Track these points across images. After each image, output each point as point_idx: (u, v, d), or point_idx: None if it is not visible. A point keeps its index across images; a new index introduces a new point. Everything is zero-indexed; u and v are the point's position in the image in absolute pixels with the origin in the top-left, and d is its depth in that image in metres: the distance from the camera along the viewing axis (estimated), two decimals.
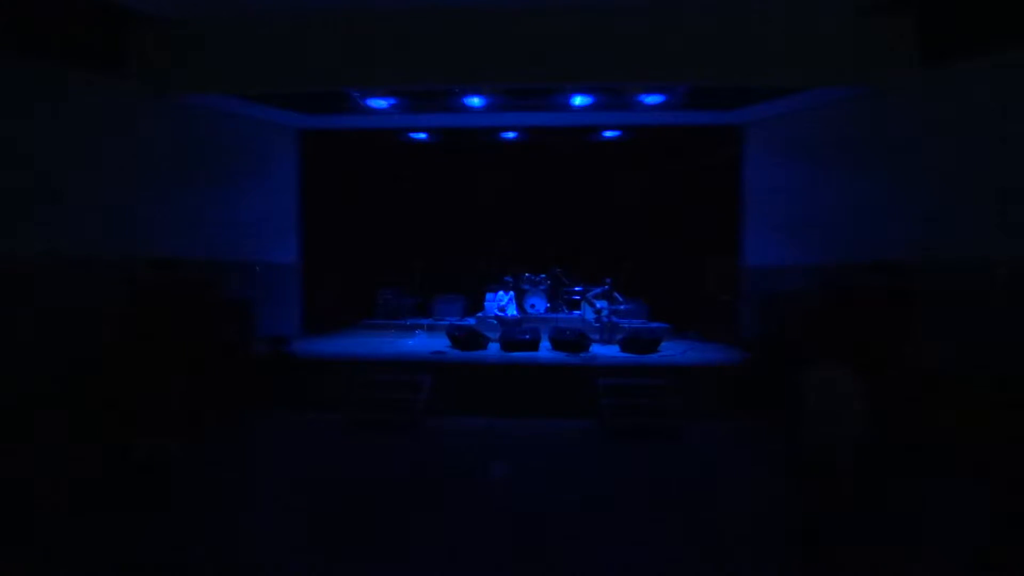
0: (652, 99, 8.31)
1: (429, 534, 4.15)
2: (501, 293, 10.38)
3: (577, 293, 11.02)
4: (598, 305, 9.72)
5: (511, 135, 10.47)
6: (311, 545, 4.03)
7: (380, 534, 4.20)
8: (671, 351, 8.55)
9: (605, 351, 8.65)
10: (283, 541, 4.17)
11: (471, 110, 8.75)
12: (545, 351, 8.55)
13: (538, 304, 11.00)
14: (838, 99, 7.72)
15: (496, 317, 10.10)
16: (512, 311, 10.21)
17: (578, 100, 8.39)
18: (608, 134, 10.37)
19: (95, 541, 4.03)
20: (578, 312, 10.62)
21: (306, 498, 4.90)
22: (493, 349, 8.67)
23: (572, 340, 8.32)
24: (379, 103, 8.50)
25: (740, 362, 7.51)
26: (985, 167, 6.22)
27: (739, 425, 6.68)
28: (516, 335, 8.67)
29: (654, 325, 10.36)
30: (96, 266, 6.80)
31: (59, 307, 6.39)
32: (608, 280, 10.13)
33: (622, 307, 10.04)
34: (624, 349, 8.52)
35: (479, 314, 10.69)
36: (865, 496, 4.13)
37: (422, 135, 10.51)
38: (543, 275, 11.25)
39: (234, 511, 4.67)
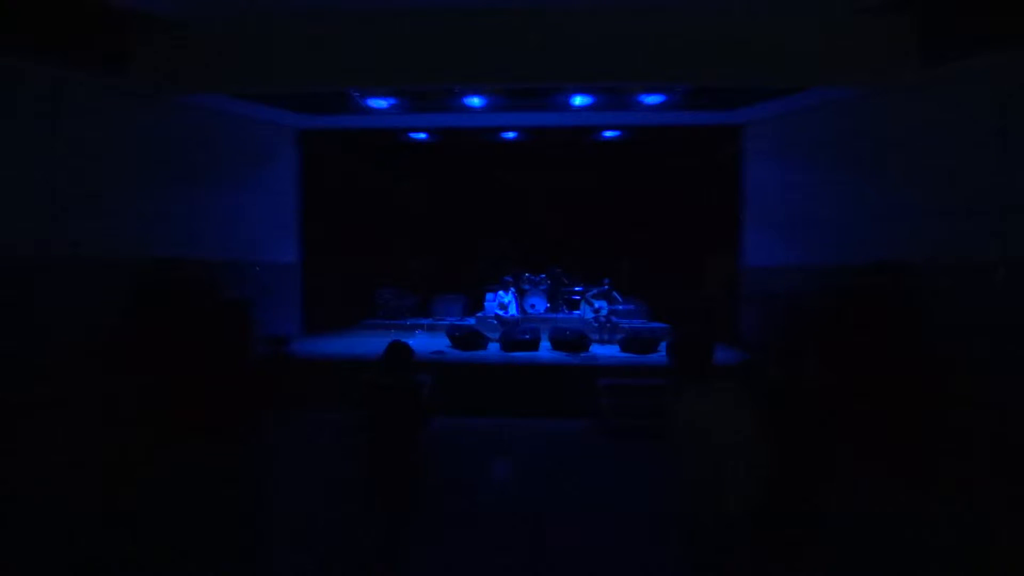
0: (652, 99, 8.32)
1: (429, 533, 4.15)
2: (502, 292, 10.40)
3: (577, 293, 11.04)
4: (596, 305, 9.73)
5: (511, 135, 10.48)
6: (311, 546, 4.03)
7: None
8: None
9: (605, 351, 8.65)
10: (283, 542, 4.17)
11: (471, 110, 8.76)
12: (545, 351, 8.56)
13: (538, 304, 11.01)
14: (838, 99, 7.72)
15: (496, 317, 10.11)
16: (514, 310, 10.22)
17: (578, 100, 8.40)
18: (608, 134, 10.37)
19: (94, 543, 4.04)
20: (578, 312, 10.63)
21: (305, 498, 4.90)
22: (493, 349, 8.68)
23: (572, 340, 8.33)
24: (379, 103, 8.51)
25: (740, 362, 7.50)
26: (985, 167, 6.23)
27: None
28: (516, 335, 8.68)
29: (654, 325, 10.37)
30: (96, 266, 6.81)
31: (59, 307, 6.39)
32: (607, 280, 10.15)
33: (620, 307, 10.05)
34: (624, 349, 8.53)
35: (479, 314, 10.70)
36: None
37: (422, 135, 10.52)
38: (543, 275, 11.26)
39: (231, 511, 4.67)
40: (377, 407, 3.46)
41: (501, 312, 10.13)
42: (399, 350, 3.60)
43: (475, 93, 8.18)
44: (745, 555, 2.82)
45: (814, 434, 3.65)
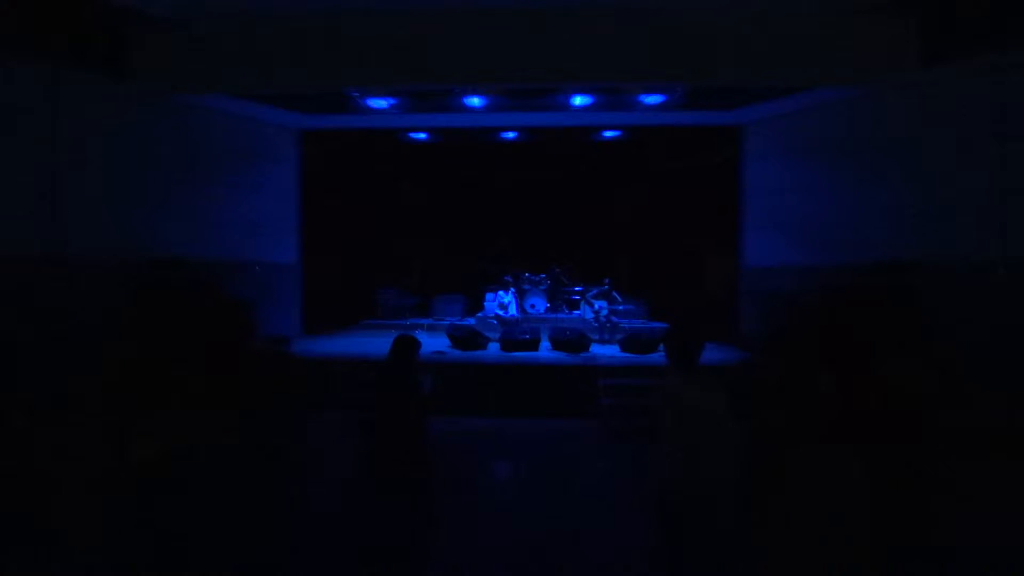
0: (652, 99, 8.32)
1: (428, 533, 4.15)
2: (502, 292, 10.40)
3: (577, 293, 11.03)
4: (597, 305, 9.73)
5: (511, 135, 10.47)
6: (311, 547, 4.03)
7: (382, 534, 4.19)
8: None
9: (605, 351, 8.65)
10: (281, 542, 4.17)
11: (471, 110, 8.76)
12: (545, 351, 8.55)
13: (538, 304, 11.00)
14: (838, 99, 7.72)
15: (496, 317, 10.11)
16: (514, 310, 10.22)
17: (578, 100, 8.40)
18: (608, 134, 10.37)
19: (96, 543, 4.03)
20: (578, 312, 10.63)
21: (305, 499, 4.90)
22: (493, 349, 8.68)
23: (572, 340, 8.32)
24: (379, 103, 8.51)
25: (739, 362, 7.51)
26: (985, 167, 6.23)
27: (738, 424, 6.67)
28: (516, 335, 8.67)
29: (654, 325, 10.37)
30: (96, 266, 6.81)
31: (59, 307, 6.39)
32: (607, 280, 10.15)
33: (621, 307, 10.05)
34: (624, 349, 8.53)
35: (479, 314, 10.70)
36: None
37: (422, 135, 10.52)
38: (543, 275, 11.26)
39: (231, 510, 4.66)
40: (381, 403, 3.55)
41: (501, 312, 10.13)
42: (405, 344, 3.71)
43: (475, 93, 8.18)
44: (725, 536, 2.91)
45: (813, 433, 3.65)
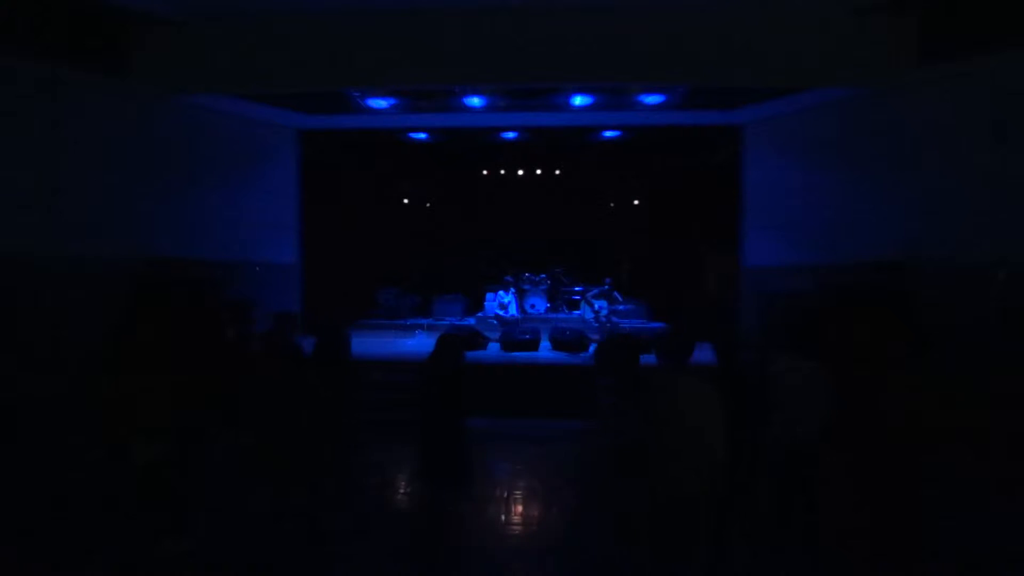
0: (652, 99, 8.31)
1: (429, 533, 4.15)
2: (502, 292, 10.40)
3: (577, 293, 11.04)
4: (597, 305, 9.74)
5: (511, 135, 10.47)
6: (311, 547, 4.03)
7: (383, 534, 4.20)
8: None
9: None
10: (280, 541, 4.17)
11: (471, 110, 8.75)
12: (545, 351, 8.56)
13: (538, 304, 11.01)
14: (838, 99, 7.72)
15: (496, 317, 10.11)
16: (514, 310, 10.22)
17: (578, 100, 8.39)
18: (608, 134, 10.37)
19: (96, 542, 4.04)
20: (578, 312, 10.63)
21: (303, 500, 4.89)
22: (493, 349, 8.68)
23: (572, 340, 8.33)
24: (379, 103, 8.50)
25: (739, 361, 7.50)
26: (984, 167, 6.22)
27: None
28: (516, 335, 8.68)
29: (654, 325, 10.37)
30: (96, 266, 6.81)
31: (59, 307, 6.39)
32: (608, 280, 10.15)
33: (621, 307, 10.05)
34: None
35: (479, 314, 10.70)
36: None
37: (422, 135, 10.51)
38: (543, 275, 11.26)
39: (220, 512, 4.67)
40: (425, 403, 3.69)
41: (501, 312, 10.12)
42: (449, 343, 3.86)
43: (475, 93, 8.18)
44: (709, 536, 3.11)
45: (813, 432, 3.69)
